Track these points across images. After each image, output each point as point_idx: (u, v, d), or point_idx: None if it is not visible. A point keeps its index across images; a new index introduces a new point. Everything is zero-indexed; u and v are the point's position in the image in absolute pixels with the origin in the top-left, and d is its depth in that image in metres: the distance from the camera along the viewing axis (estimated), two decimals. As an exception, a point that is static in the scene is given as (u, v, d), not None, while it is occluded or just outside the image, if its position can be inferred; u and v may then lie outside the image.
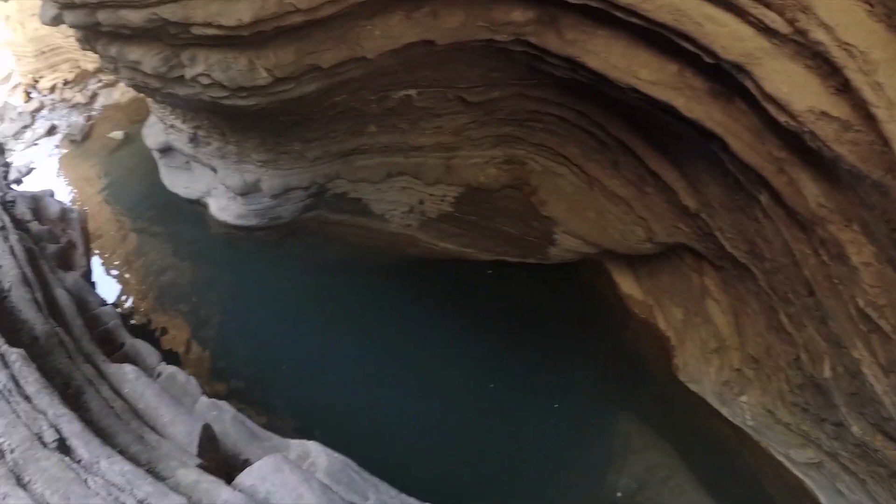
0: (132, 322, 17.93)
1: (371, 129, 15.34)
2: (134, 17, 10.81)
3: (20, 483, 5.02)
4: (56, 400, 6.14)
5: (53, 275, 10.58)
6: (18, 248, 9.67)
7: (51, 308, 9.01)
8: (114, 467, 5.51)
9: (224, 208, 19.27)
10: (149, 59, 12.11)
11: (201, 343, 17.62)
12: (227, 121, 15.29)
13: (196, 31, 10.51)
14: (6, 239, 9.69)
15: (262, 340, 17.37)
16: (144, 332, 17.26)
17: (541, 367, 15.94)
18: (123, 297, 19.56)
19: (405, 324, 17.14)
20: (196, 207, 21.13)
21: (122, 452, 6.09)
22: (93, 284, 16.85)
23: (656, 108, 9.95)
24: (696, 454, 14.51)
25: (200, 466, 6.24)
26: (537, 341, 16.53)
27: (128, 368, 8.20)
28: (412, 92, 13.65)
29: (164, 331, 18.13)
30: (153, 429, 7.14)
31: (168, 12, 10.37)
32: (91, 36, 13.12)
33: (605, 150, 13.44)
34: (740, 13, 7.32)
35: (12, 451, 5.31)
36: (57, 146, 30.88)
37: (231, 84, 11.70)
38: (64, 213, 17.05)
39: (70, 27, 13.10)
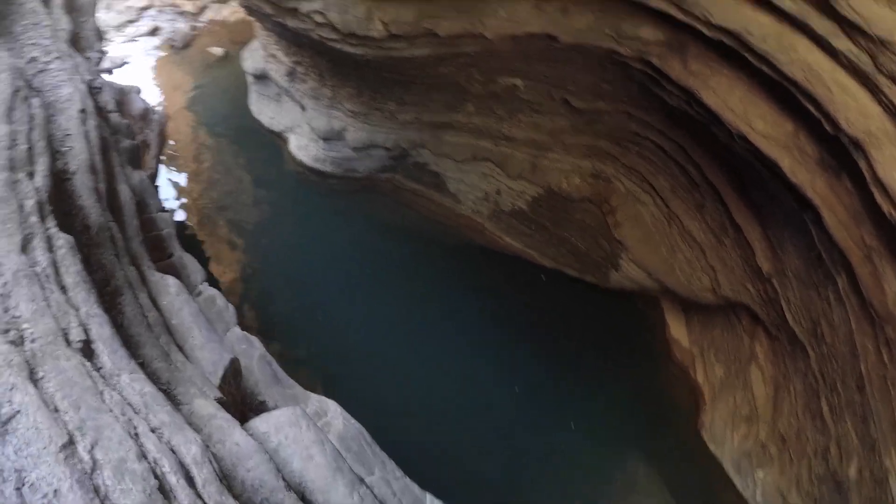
0: (185, 234, 17.88)
1: (469, 108, 15.17)
2: None
3: (32, 377, 4.75)
4: (93, 298, 6.00)
5: (121, 169, 10.61)
6: (94, 135, 9.65)
7: (111, 201, 9.00)
8: (134, 385, 5.34)
9: (303, 147, 19.37)
10: None
11: (244, 273, 17.78)
12: (330, 63, 15.27)
13: None
14: (84, 122, 9.64)
15: (305, 287, 17.46)
16: (192, 248, 16.57)
17: (569, 385, 15.77)
18: (181, 209, 19.76)
19: (450, 306, 17.07)
20: (276, 140, 21.29)
21: (144, 366, 6.02)
22: (156, 188, 17.35)
23: (759, 163, 9.65)
24: (696, 516, 14.35)
25: (219, 400, 6.08)
26: (573, 359, 16.34)
27: (171, 281, 8.16)
28: (520, 82, 13.41)
29: (211, 251, 18.32)
30: (181, 349, 7.06)
31: None
32: None
33: (695, 190, 13.11)
34: (874, 90, 6.99)
35: (33, 341, 5.08)
36: (156, 47, 31.21)
37: (344, 28, 11.63)
38: (146, 112, 17.13)
39: None
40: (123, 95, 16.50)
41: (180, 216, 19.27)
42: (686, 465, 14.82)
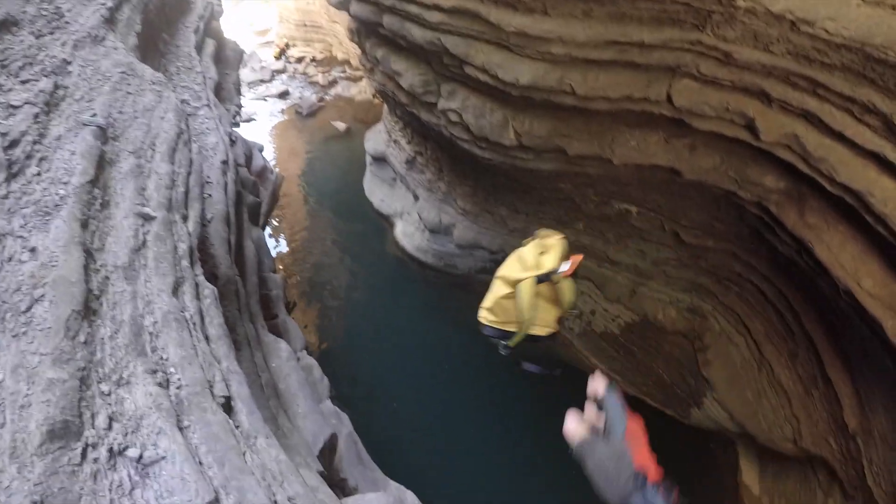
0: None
1: (579, 226, 15.57)
2: (417, 33, 11.48)
3: (179, 425, 4.76)
4: (232, 353, 6.21)
5: (247, 225, 11.19)
6: (231, 187, 10.19)
7: (237, 255, 9.51)
8: (270, 451, 5.46)
9: (408, 235, 19.88)
10: (410, 75, 12.69)
11: (328, 349, 18.24)
12: (451, 160, 15.89)
13: (469, 70, 11.05)
14: (225, 173, 10.20)
15: (383, 369, 17.84)
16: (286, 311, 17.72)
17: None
18: (280, 271, 19.97)
19: (522, 416, 17.23)
20: (382, 222, 21.86)
21: None
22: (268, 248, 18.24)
23: (861, 320, 9.71)
24: None
25: (320, 473, 6.30)
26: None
27: (283, 345, 8.55)
28: (634, 209, 13.83)
29: (302, 320, 18.73)
30: (286, 413, 7.30)
31: (451, 43, 10.97)
32: (364, 31, 13.84)
33: (790, 338, 13.13)
34: None
35: (179, 388, 5.13)
36: (282, 111, 33.20)
37: (477, 132, 12.17)
38: (264, 171, 17.81)
39: (351, 16, 13.59)
40: (251, 150, 17.23)
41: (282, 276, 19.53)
42: None
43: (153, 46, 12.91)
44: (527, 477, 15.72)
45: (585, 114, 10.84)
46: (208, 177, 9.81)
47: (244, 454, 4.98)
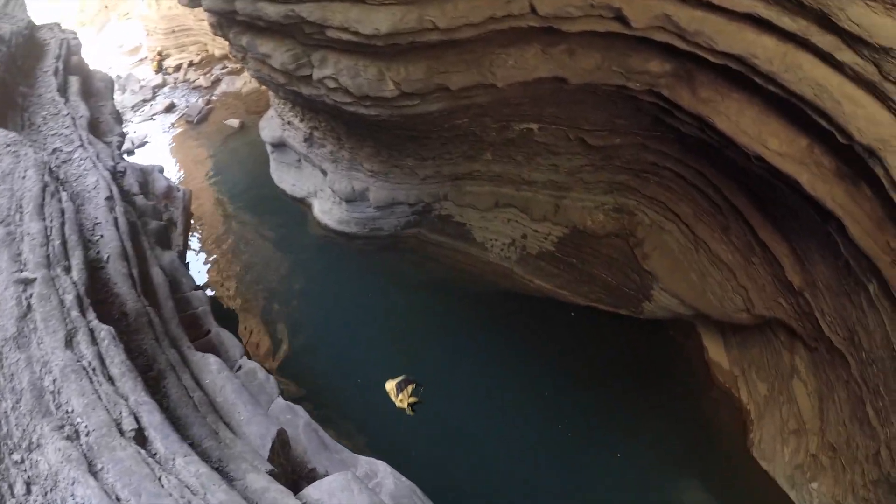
0: (220, 308, 18.25)
1: (487, 156, 15.37)
2: (271, 10, 11.05)
3: (91, 470, 4.86)
4: (139, 385, 6.12)
5: (152, 252, 10.81)
6: (122, 221, 9.90)
7: (145, 286, 9.21)
8: (189, 468, 5.41)
9: (327, 211, 19.56)
10: (279, 54, 12.30)
11: (277, 340, 17.99)
12: (346, 126, 15.55)
13: (331, 33, 10.66)
14: (112, 210, 9.93)
15: (340, 349, 17.61)
16: (228, 320, 17.30)
17: (612, 417, 15.83)
18: (212, 282, 20.16)
19: (485, 352, 17.19)
20: (299, 206, 21.51)
21: (195, 446, 6.15)
22: (186, 266, 17.38)
23: (778, 181, 9.73)
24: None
25: (270, 473, 6.18)
26: (613, 391, 16.39)
27: (212, 359, 8.30)
28: (534, 126, 13.60)
29: (244, 322, 18.53)
30: (228, 425, 7.17)
31: (306, 11, 10.57)
32: (225, 23, 13.42)
33: (718, 213, 13.17)
34: (882, 98, 7.10)
35: (88, 435, 5.15)
36: (173, 124, 32.22)
37: (357, 91, 11.82)
38: (169, 191, 17.26)
39: (206, 11, 13.23)
40: (146, 175, 16.70)
41: (212, 291, 19.54)
42: (740, 485, 14.74)
43: (11, 104, 12.64)
44: (495, 409, 15.87)
45: (456, 46, 10.52)
46: (96, 218, 9.64)
47: (160, 478, 4.99)
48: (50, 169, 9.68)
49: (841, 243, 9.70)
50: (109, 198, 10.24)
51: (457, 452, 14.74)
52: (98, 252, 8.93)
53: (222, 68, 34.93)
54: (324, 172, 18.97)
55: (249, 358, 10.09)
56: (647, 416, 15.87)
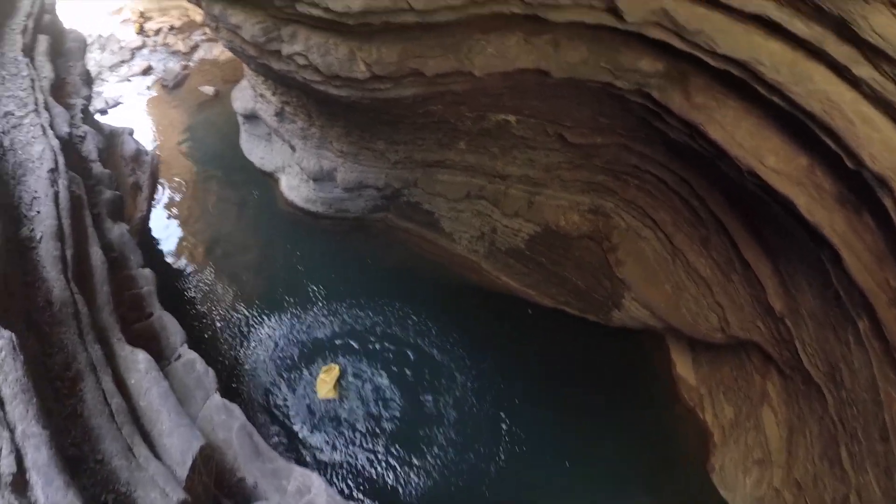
0: (177, 276, 18.31)
1: (461, 145, 14.66)
2: None
3: None
4: (32, 410, 5.39)
5: (98, 226, 10.39)
6: (63, 195, 9.35)
7: (79, 267, 8.68)
8: None
9: (294, 188, 19.25)
10: (249, 26, 11.69)
11: (233, 318, 17.51)
12: (317, 104, 14.99)
13: (301, 8, 10.03)
14: (53, 183, 9.36)
15: (296, 332, 17.15)
16: (183, 290, 17.80)
17: (566, 425, 15.27)
18: (173, 251, 19.75)
19: (443, 346, 16.76)
20: (268, 180, 21.24)
21: (103, 463, 5.64)
22: (149, 230, 18.41)
23: (771, 199, 9.06)
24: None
25: (183, 502, 5.49)
26: (571, 397, 15.84)
27: (140, 356, 7.75)
28: (512, 118, 12.87)
29: (202, 293, 18.23)
30: (149, 435, 6.63)
31: None
32: None
33: (699, 224, 12.56)
34: (903, 122, 6.42)
35: None
36: (148, 87, 31.92)
37: (327, 70, 11.19)
38: (138, 154, 17.45)
39: None
40: (115, 138, 17.10)
41: (172, 259, 19.33)
42: (694, 511, 14.20)
43: None
44: (447, 404, 15.47)
45: (434, 29, 9.76)
46: (36, 191, 9.07)
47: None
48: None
49: (833, 273, 9.11)
50: (53, 170, 9.66)
51: (389, 446, 14.47)
52: (32, 230, 8.34)
53: (202, 35, 34.59)
54: (293, 148, 18.50)
55: (199, 332, 9.61)
56: (605, 428, 15.35)
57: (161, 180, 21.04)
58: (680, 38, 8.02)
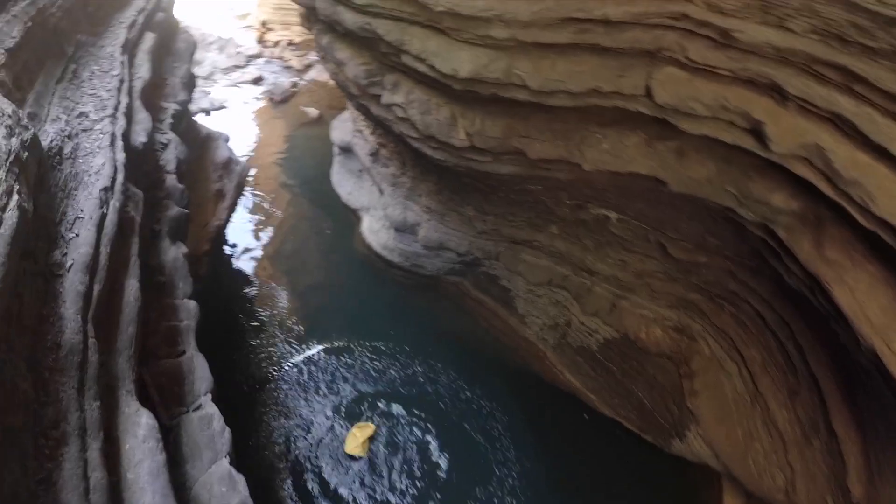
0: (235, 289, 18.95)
1: (552, 229, 13.78)
2: (348, 18, 10.20)
3: None
4: None
5: (152, 246, 10.42)
6: (111, 220, 8.82)
7: (108, 303, 8.04)
8: None
9: (374, 232, 18.71)
10: (353, 65, 11.52)
11: (278, 344, 17.44)
12: (412, 154, 14.41)
13: (406, 60, 9.60)
14: (104, 204, 8.81)
15: (340, 378, 16.68)
16: (233, 306, 18.18)
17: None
18: (240, 263, 20.49)
19: (492, 429, 15.92)
20: (350, 216, 20.92)
21: None
22: (223, 238, 18.92)
23: (884, 381, 7.83)
24: None
25: None
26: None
27: (143, 420, 7.00)
28: (613, 215, 11.91)
29: (253, 315, 18.25)
30: None
31: (383, 28, 9.60)
32: (311, 17, 12.80)
33: (791, 373, 11.30)
34: None
35: None
36: (255, 97, 33.26)
37: (424, 130, 10.69)
38: (228, 162, 18.26)
39: (293, 1, 12.93)
40: (210, 142, 18.19)
41: (236, 269, 19.79)
42: None
43: (57, 52, 11.75)
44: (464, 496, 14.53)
45: (545, 110, 8.93)
46: (82, 211, 8.49)
47: None
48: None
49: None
50: (106, 189, 9.09)
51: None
52: (64, 254, 7.67)
53: (317, 56, 35.30)
54: (381, 192, 18.09)
55: (215, 399, 8.88)
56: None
57: (247, 190, 21.58)
58: (829, 182, 6.96)
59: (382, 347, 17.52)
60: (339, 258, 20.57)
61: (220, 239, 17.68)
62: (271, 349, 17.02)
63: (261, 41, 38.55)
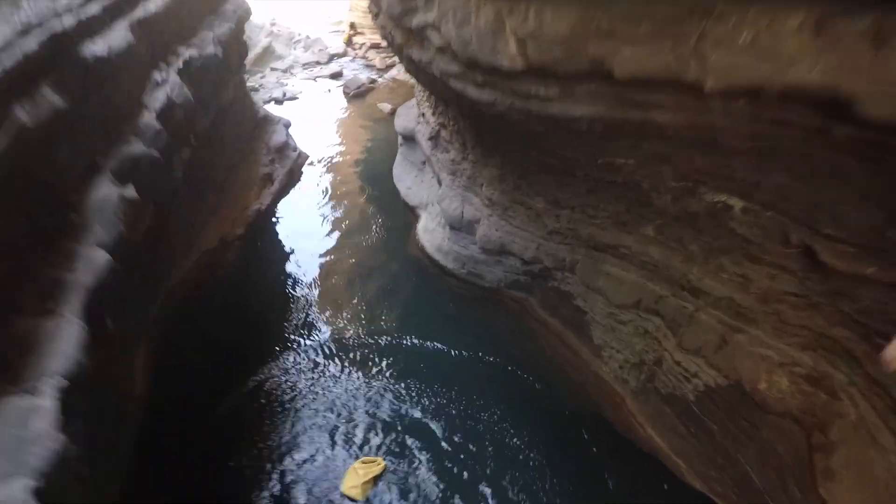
0: (273, 285, 18.85)
1: (647, 230, 10.35)
2: None
3: None
4: None
5: (64, 180, 9.09)
6: None
7: None
8: None
9: (428, 232, 17.15)
10: None
11: (302, 344, 16.73)
12: (473, 130, 12.58)
13: None
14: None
15: (359, 398, 15.05)
16: (263, 291, 18.30)
17: None
18: (283, 248, 20.80)
19: (540, 499, 13.15)
20: (409, 215, 19.96)
21: None
22: (265, 226, 19.51)
23: None
24: None
25: None
26: None
27: None
28: (737, 203, 8.25)
29: (282, 306, 17.92)
30: None
31: None
32: None
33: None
34: None
35: None
36: (329, 90, 35.51)
37: (462, 51, 7.94)
38: (284, 147, 18.78)
39: None
40: (267, 125, 18.66)
41: (280, 259, 20.23)
42: None
43: None
44: None
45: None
46: None
47: None
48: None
49: None
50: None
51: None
52: None
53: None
54: (439, 183, 16.39)
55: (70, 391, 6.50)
56: None
57: (303, 180, 22.12)
58: None
59: (419, 367, 15.88)
60: (388, 260, 19.76)
61: (258, 225, 17.13)
62: (278, 355, 15.83)
63: (348, 43, 42.04)
